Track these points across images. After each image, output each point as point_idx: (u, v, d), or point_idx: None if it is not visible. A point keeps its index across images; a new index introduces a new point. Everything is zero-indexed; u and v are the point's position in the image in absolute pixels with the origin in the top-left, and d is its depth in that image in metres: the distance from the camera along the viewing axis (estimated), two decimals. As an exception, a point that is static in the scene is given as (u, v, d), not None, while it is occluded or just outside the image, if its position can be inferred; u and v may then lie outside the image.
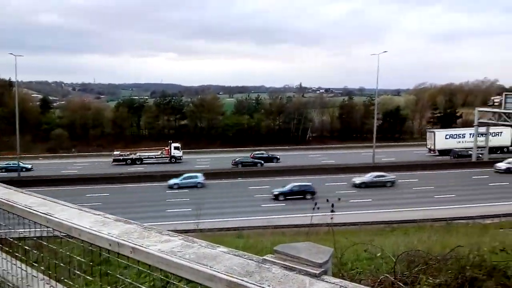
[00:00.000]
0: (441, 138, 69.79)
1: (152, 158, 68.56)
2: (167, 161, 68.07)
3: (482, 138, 63.10)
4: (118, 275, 2.14)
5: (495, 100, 68.51)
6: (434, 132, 70.51)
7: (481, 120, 62.12)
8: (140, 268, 1.87)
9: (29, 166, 62.86)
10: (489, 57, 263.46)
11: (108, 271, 2.21)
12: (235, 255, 1.65)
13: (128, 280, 2.18)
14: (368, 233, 17.42)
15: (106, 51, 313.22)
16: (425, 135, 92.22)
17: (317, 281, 1.43)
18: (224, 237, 19.07)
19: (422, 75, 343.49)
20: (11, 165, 61.29)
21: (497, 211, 36.58)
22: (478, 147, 63.44)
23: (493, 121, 60.99)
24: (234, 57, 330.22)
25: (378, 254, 6.26)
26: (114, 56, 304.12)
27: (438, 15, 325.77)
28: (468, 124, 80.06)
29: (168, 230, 2.03)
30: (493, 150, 65.30)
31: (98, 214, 2.30)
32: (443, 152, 68.61)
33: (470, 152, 64.82)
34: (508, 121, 57.57)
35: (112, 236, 1.96)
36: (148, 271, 1.82)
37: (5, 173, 58.60)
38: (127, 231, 2.01)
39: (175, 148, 69.26)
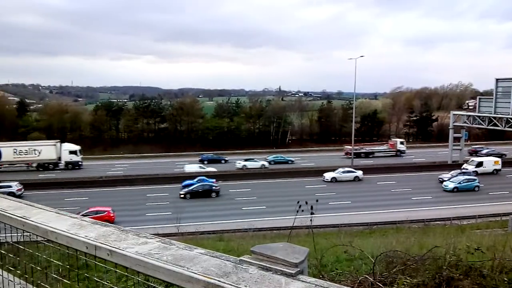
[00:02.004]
0: None
1: (381, 151, 74.40)
2: (394, 154, 73.77)
3: None
4: (97, 279, 2.13)
5: (470, 104, 69.65)
6: None
7: (456, 123, 63.27)
8: (118, 271, 1.87)
9: (293, 159, 69.95)
10: (463, 61, 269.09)
11: (87, 275, 2.19)
12: (212, 256, 1.66)
13: (109, 285, 2.17)
14: (347, 235, 17.56)
15: (84, 53, 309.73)
16: (401, 138, 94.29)
17: (293, 280, 1.45)
18: (205, 240, 18.97)
19: (399, 79, 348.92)
20: (279, 158, 69.87)
21: (471, 212, 37.34)
22: None
23: (467, 124, 62.20)
24: (214, 60, 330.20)
25: (357, 255, 6.33)
26: (92, 58, 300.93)
27: (414, 21, 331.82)
28: (443, 127, 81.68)
29: (146, 233, 2.03)
30: None
31: (75, 217, 2.28)
32: None
33: None
34: (482, 124, 58.76)
35: (89, 239, 1.95)
36: (126, 274, 1.81)
37: (275, 166, 65.37)
38: (104, 233, 2.00)
39: (401, 143, 76.25)
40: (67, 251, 2.09)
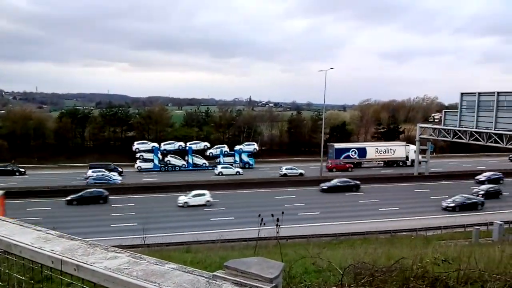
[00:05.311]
0: None
1: None
2: None
3: None
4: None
5: (435, 117, 71.64)
6: None
7: (422, 136, 64.85)
8: (84, 286, 1.80)
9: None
10: (435, 75, 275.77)
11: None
12: (184, 271, 1.62)
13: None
14: (316, 246, 17.63)
15: (52, 59, 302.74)
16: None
17: (268, 296, 1.43)
18: (172, 252, 18.65)
19: (369, 91, 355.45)
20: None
21: (439, 223, 38.17)
22: None
23: (433, 137, 63.82)
24: (188, 70, 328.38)
25: (325, 267, 6.33)
26: (60, 65, 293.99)
27: (391, 35, 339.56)
28: (410, 139, 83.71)
29: (114, 246, 1.97)
30: None
31: (40, 230, 2.19)
32: None
33: None
34: (447, 137, 60.42)
35: (55, 253, 1.87)
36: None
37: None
38: (71, 247, 1.92)
39: None
40: (31, 265, 2.00)
